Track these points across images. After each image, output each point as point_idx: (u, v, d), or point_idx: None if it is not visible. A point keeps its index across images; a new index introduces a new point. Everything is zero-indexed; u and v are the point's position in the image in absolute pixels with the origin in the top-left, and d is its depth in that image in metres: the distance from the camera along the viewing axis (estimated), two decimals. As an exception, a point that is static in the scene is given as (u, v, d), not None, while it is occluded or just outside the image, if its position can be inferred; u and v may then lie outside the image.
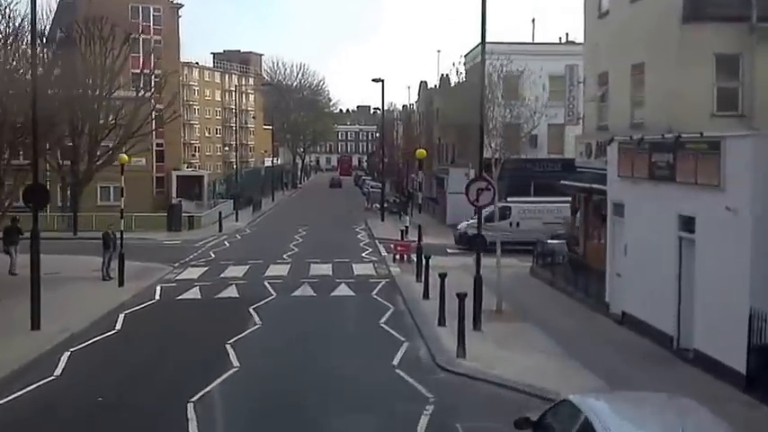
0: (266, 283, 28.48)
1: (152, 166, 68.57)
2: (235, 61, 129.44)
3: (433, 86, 74.33)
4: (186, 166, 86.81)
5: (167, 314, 23.82)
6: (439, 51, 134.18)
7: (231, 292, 27.07)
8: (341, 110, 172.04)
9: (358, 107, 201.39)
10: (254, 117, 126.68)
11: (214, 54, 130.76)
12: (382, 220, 55.44)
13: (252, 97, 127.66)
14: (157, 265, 32.62)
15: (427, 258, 26.29)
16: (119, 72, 54.56)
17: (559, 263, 29.28)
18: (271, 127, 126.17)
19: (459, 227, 43.56)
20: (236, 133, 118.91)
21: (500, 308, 22.58)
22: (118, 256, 27.78)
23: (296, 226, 51.95)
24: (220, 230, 48.40)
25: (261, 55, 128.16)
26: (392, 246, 36.54)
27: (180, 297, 26.21)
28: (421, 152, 33.49)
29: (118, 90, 55.58)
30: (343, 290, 27.56)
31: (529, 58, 43.63)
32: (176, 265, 33.50)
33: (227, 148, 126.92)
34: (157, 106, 71.88)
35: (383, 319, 22.30)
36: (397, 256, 34.76)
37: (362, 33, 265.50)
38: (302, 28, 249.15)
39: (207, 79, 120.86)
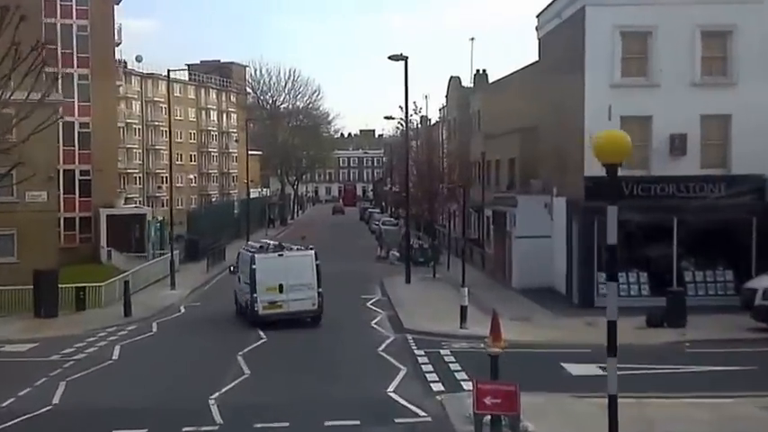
0: None
1: (61, 202, 48.27)
2: (214, 74, 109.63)
3: (469, 84, 54.12)
4: (127, 201, 66.29)
5: None
6: (473, 39, 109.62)
7: None
8: (342, 134, 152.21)
9: (361, 131, 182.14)
10: (236, 140, 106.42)
11: (189, 65, 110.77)
12: (408, 281, 34.67)
13: (234, 116, 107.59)
14: None
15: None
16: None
17: None
18: (259, 152, 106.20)
19: (750, 285, 22.92)
20: (201, 157, 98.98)
21: None
22: None
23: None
24: (127, 314, 27.87)
25: (245, 66, 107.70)
26: (473, 388, 15.12)
27: None
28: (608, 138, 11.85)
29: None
30: None
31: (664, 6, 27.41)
32: None
33: (206, 178, 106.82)
34: (82, 120, 52.01)
35: None
36: (486, 416, 13.95)
37: (364, 54, 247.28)
38: (299, 48, 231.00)
39: (178, 94, 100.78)
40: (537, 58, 35.36)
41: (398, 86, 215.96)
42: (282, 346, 21.64)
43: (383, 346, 20.99)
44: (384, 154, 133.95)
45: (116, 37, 57.86)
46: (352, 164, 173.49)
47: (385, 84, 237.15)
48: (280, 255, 24.94)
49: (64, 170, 51.10)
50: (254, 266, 24.39)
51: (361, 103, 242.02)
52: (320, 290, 24.71)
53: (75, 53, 51.47)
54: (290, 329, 24.41)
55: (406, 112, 34.48)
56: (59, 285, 29.04)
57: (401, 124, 37.88)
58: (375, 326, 24.69)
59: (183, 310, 30.14)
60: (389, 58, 33.03)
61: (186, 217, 59.60)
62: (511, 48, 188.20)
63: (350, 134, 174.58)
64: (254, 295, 24.28)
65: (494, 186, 42.84)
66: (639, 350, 20.69)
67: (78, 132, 51.55)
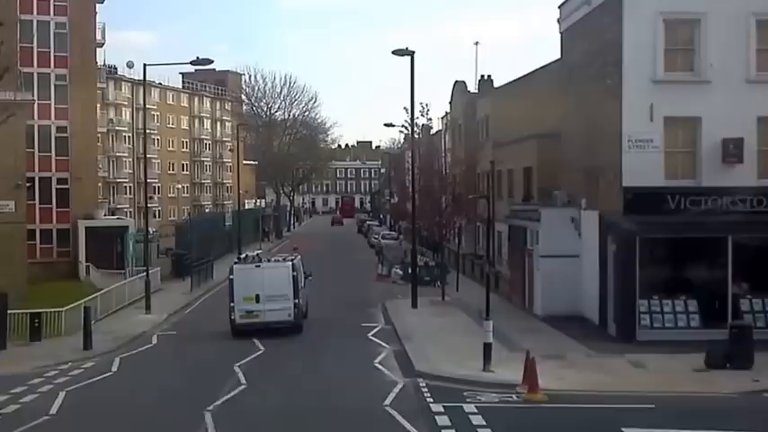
0: None
1: (37, 213, 43.90)
2: (209, 82, 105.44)
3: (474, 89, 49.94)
4: (110, 213, 62.01)
5: None
6: (477, 44, 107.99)
7: None
8: (339, 145, 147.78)
9: (358, 143, 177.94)
10: (230, 150, 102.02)
11: (183, 74, 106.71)
12: (415, 304, 30.19)
13: (229, 125, 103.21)
14: None
15: None
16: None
17: None
18: (255, 162, 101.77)
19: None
20: (194, 167, 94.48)
21: None
22: None
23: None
24: (87, 347, 23.41)
25: (241, 75, 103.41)
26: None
27: None
28: None
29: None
30: None
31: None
32: None
33: (200, 188, 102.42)
34: (59, 123, 47.72)
35: None
36: None
37: (362, 66, 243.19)
38: (296, 60, 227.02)
39: (170, 102, 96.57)
40: (558, 56, 31.10)
41: (396, 98, 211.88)
42: (264, 399, 17.19)
43: (390, 397, 16.52)
44: (382, 165, 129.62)
45: (99, 36, 53.54)
46: (349, 175, 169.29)
47: (382, 96, 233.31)
48: (257, 266, 25.51)
49: (39, 178, 46.81)
50: (231, 277, 25.35)
51: (359, 114, 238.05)
52: (297, 301, 25.08)
53: (52, 52, 47.14)
54: (274, 373, 20.16)
55: (412, 113, 30.23)
56: (12, 311, 24.67)
57: (406, 128, 33.32)
58: (379, 366, 20.27)
59: (154, 340, 25.65)
60: (393, 53, 28.80)
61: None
62: (511, 59, 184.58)
63: (347, 145, 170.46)
64: (232, 305, 24.98)
65: (506, 199, 38.62)
66: (712, 405, 16.35)
67: (55, 137, 47.18)
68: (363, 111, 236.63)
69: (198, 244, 47.60)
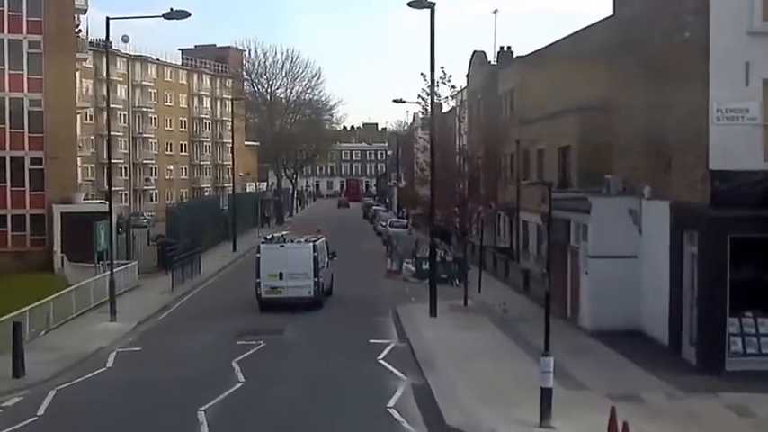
0: None
1: (8, 196, 38.43)
2: (209, 59, 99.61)
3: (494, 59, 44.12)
4: (89, 196, 56.47)
5: None
6: (496, 12, 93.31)
7: None
8: (345, 127, 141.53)
9: (364, 125, 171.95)
10: (230, 130, 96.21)
11: (182, 50, 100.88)
12: (433, 312, 24.46)
13: (229, 104, 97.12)
14: None
15: None
16: None
17: None
18: (256, 144, 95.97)
19: None
20: (193, 147, 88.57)
21: None
22: None
23: (239, 337, 21.78)
24: (16, 374, 17.82)
25: (242, 51, 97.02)
26: None
27: None
28: None
29: None
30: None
31: None
32: None
33: (199, 170, 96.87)
34: (32, 96, 42.08)
35: None
36: None
37: (368, 45, 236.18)
38: (301, 40, 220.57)
39: (168, 78, 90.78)
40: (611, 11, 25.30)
41: (402, 81, 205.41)
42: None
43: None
44: (389, 147, 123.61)
45: (81, 2, 47.74)
46: (354, 157, 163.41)
47: (389, 77, 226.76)
48: (281, 246, 27.21)
49: (11, 157, 41.54)
50: (258, 255, 27.10)
51: (364, 95, 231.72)
52: (317, 279, 26.71)
53: (24, 16, 41.52)
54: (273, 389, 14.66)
55: (432, 76, 24.33)
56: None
57: (423, 98, 27.41)
58: (393, 412, 14.69)
59: (110, 361, 20.01)
60: (409, 5, 22.99)
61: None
62: (530, 31, 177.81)
63: (352, 127, 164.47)
64: (258, 280, 26.67)
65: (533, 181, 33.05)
66: None
67: (28, 111, 41.63)
68: (369, 91, 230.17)
69: (188, 231, 42.10)
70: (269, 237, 29.03)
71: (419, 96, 28.02)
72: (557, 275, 25.74)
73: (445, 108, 37.99)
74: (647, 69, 21.68)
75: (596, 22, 29.51)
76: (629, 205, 21.86)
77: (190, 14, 23.33)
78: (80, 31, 49.56)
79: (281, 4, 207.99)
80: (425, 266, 33.05)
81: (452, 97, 33.54)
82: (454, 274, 31.26)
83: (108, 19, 23.95)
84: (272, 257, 26.52)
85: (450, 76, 27.21)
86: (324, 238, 29.44)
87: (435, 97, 27.56)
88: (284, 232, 31.51)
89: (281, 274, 26.37)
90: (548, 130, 31.93)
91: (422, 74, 26.03)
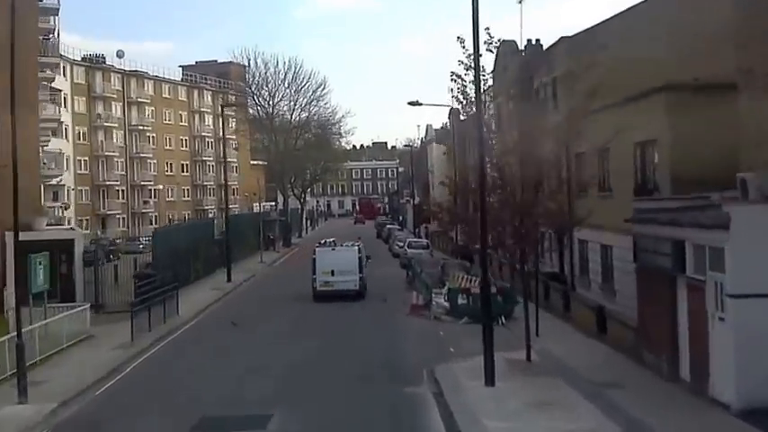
0: None
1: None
2: (211, 74, 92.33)
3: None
4: (107, 220, 48.91)
5: None
6: (521, 2, 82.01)
7: None
8: (354, 146, 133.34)
9: (374, 143, 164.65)
10: (235, 148, 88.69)
11: (183, 67, 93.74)
12: (491, 379, 16.20)
13: (233, 122, 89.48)
14: None
15: None
16: None
17: None
18: (263, 163, 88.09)
19: None
20: (195, 167, 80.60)
21: None
22: None
23: None
24: None
25: (245, 66, 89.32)
26: None
27: None
28: None
29: None
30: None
31: None
32: None
33: (202, 190, 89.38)
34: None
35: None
36: None
37: (376, 68, 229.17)
38: (309, 60, 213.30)
39: (166, 95, 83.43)
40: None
41: (411, 97, 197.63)
42: None
43: None
44: (400, 164, 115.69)
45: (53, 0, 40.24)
46: (365, 176, 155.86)
47: (397, 100, 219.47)
48: (333, 249, 32.58)
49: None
50: (314, 257, 31.90)
51: (373, 114, 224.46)
52: (361, 275, 31.68)
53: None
54: None
55: (476, 41, 16.17)
56: None
57: (461, 84, 18.93)
58: None
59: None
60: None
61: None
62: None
63: (362, 146, 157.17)
64: (314, 276, 31.55)
65: (595, 192, 25.23)
66: None
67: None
68: (377, 111, 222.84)
69: (170, 261, 34.19)
70: (322, 242, 34.30)
71: (452, 88, 19.59)
72: (654, 318, 17.73)
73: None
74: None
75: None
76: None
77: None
78: (50, 32, 42.04)
79: (286, 25, 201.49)
80: (462, 301, 25.13)
81: (485, 92, 25.10)
82: (501, 310, 23.29)
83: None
84: (325, 258, 31.45)
85: (500, 40, 19.17)
86: (362, 244, 34.51)
87: (465, 96, 19.56)
88: (333, 239, 35.44)
89: (332, 272, 31.17)
90: (614, 122, 23.88)
91: (458, 38, 17.93)
